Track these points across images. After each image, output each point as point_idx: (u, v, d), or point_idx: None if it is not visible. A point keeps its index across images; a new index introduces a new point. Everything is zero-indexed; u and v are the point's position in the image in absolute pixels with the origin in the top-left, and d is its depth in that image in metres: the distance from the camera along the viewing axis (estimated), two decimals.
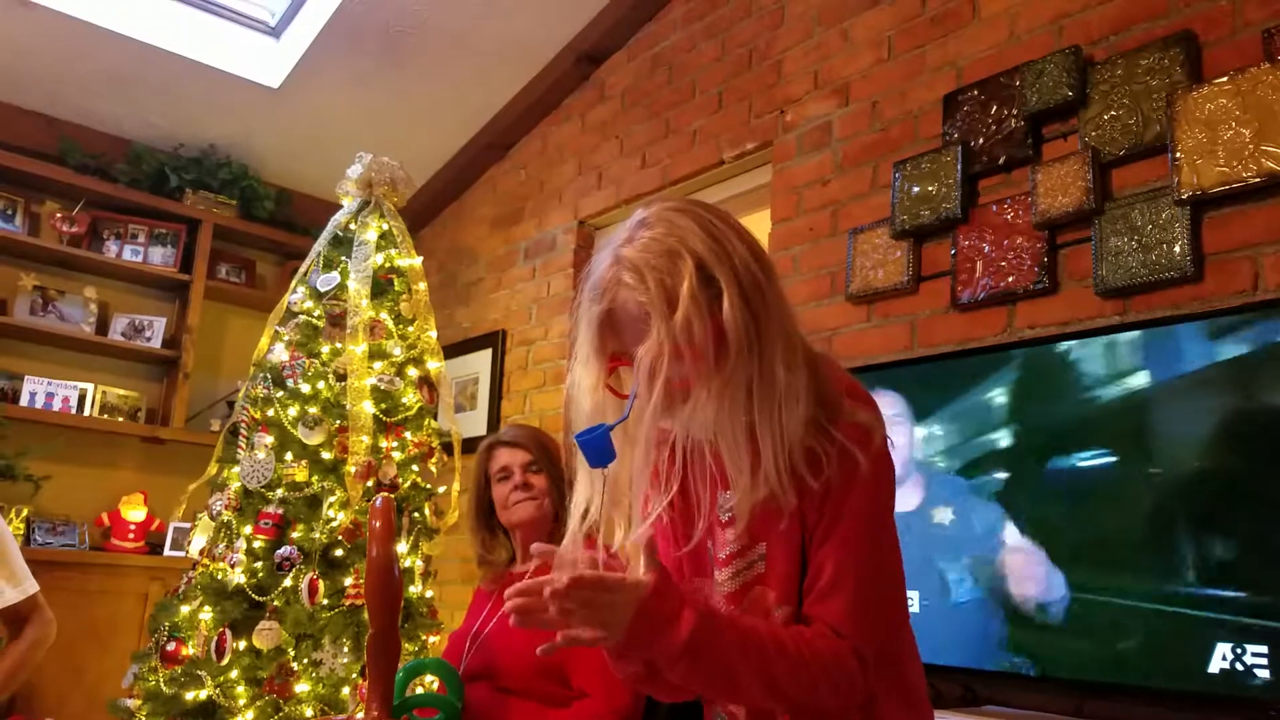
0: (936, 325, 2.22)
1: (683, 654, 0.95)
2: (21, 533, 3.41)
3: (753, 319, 1.02)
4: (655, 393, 1.00)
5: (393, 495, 2.36)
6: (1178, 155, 1.81)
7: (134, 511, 3.74)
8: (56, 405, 3.65)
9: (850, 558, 1.02)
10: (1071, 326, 1.95)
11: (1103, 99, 1.97)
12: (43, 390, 3.63)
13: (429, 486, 2.58)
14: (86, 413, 3.70)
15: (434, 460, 2.61)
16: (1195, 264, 1.79)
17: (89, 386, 3.73)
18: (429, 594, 2.53)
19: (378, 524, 1.72)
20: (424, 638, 2.47)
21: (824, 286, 2.50)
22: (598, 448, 1.05)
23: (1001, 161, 2.13)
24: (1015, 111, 2.11)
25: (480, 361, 3.76)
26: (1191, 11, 1.89)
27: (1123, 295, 1.89)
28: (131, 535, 3.71)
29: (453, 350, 3.73)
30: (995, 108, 2.15)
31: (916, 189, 2.26)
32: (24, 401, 3.58)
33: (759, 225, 2.74)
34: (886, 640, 1.06)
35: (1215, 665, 1.58)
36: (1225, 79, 1.78)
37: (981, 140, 2.17)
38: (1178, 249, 1.80)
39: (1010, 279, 2.06)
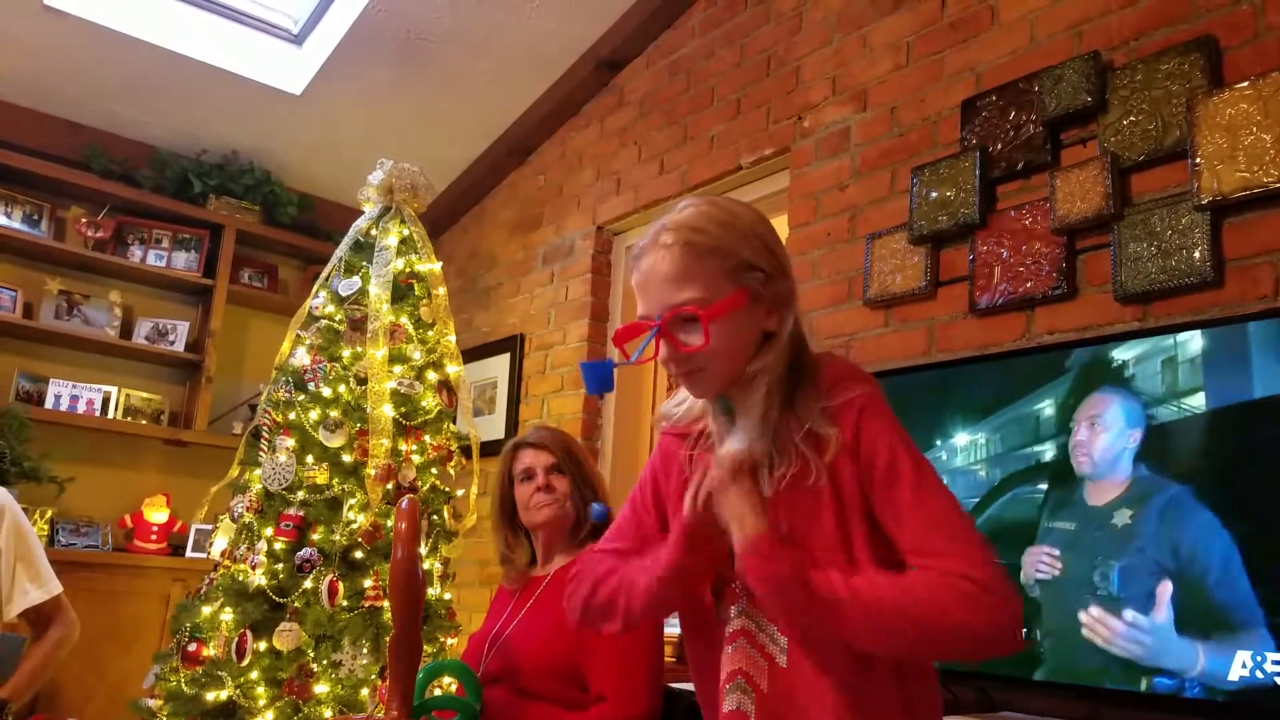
0: (955, 330, 2.22)
1: (796, 576, 1.02)
2: (46, 534, 3.46)
3: (777, 306, 1.10)
4: (676, 357, 1.09)
5: (414, 495, 2.37)
6: (1198, 160, 1.81)
7: (156, 513, 3.78)
8: (81, 408, 3.70)
9: (924, 507, 1.05)
10: (1090, 332, 1.95)
11: (1122, 104, 1.97)
12: (67, 393, 3.68)
13: (448, 489, 2.60)
14: (110, 415, 3.75)
15: (453, 463, 2.63)
16: (1215, 269, 1.78)
17: (113, 389, 3.78)
18: (447, 596, 2.55)
19: (403, 525, 1.74)
20: (442, 640, 2.49)
21: (841, 291, 2.50)
22: (599, 375, 1.15)
23: (1020, 167, 2.13)
24: (1034, 117, 2.11)
25: (499, 365, 3.78)
26: (1212, 16, 1.89)
27: (1142, 301, 1.89)
28: (154, 537, 3.75)
29: (472, 354, 3.75)
30: (1014, 113, 2.15)
31: (935, 194, 2.26)
32: (49, 404, 3.64)
33: (777, 231, 2.75)
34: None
35: (1235, 673, 1.57)
36: (1246, 84, 1.78)
37: (1000, 146, 2.17)
38: (1198, 254, 1.80)
39: (1029, 284, 2.06)
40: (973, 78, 2.30)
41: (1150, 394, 1.79)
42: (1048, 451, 1.93)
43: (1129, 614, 1.69)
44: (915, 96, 2.42)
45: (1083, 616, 1.76)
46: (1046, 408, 1.95)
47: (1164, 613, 1.66)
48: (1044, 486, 1.94)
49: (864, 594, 1.01)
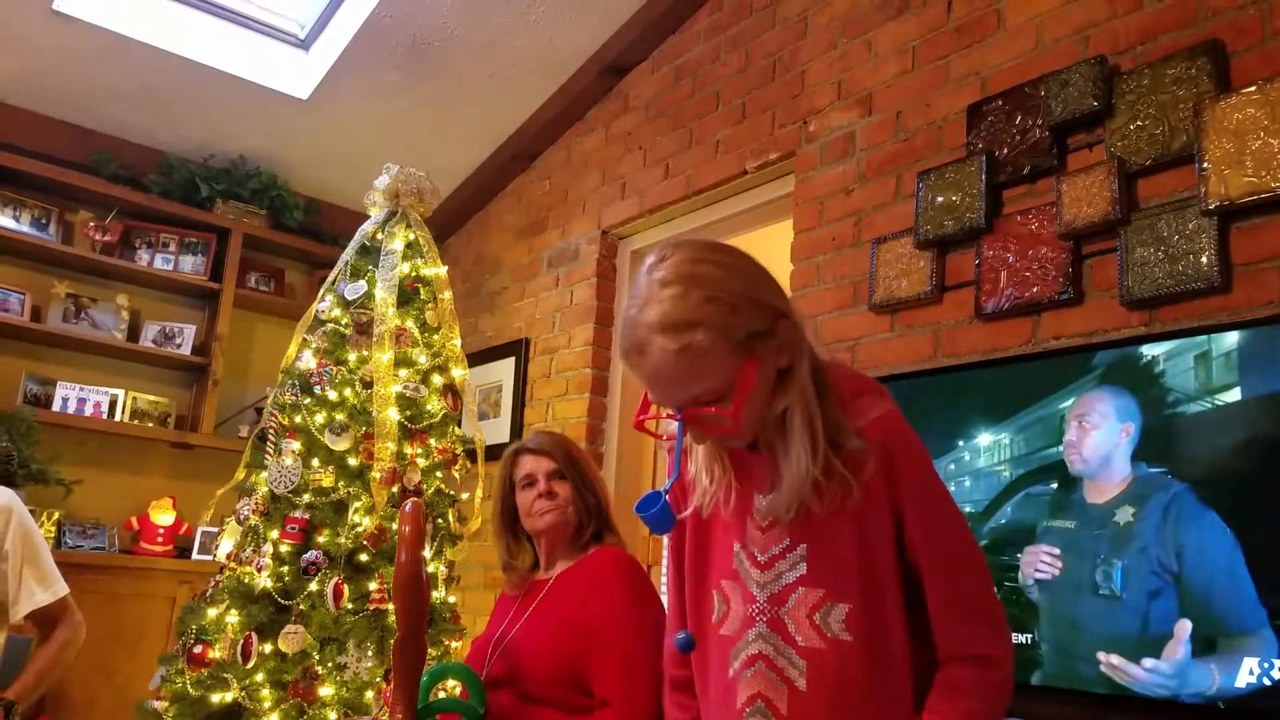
0: (960, 335, 2.21)
1: None
2: (53, 536, 3.47)
3: (781, 349, 1.08)
4: (706, 438, 1.12)
5: (419, 498, 2.37)
6: (1205, 165, 1.81)
7: (163, 516, 3.80)
8: (88, 411, 3.71)
9: (955, 574, 1.11)
10: (1097, 337, 1.94)
11: (1129, 109, 1.96)
12: (75, 396, 3.70)
13: (452, 493, 2.60)
14: (117, 418, 3.77)
15: (458, 467, 2.64)
16: (1223, 274, 1.77)
17: (120, 392, 3.80)
18: (452, 599, 2.55)
19: (407, 529, 1.74)
20: (447, 643, 2.49)
21: (847, 296, 2.50)
22: (659, 517, 1.13)
23: (1026, 171, 2.12)
24: (1040, 121, 2.11)
25: (504, 369, 3.79)
26: (1219, 21, 1.88)
27: (1149, 306, 1.88)
28: (160, 539, 3.76)
29: (477, 358, 3.76)
30: (1020, 118, 2.15)
31: (940, 199, 2.26)
32: (56, 407, 3.65)
33: (781, 235, 2.75)
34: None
35: (1242, 680, 1.56)
36: (1254, 88, 1.77)
37: (1006, 150, 2.17)
38: (1205, 259, 1.79)
39: (1035, 289, 2.05)
40: (978, 82, 2.29)
41: (1146, 391, 1.79)
42: (1049, 454, 1.93)
43: (1148, 662, 1.68)
44: (921, 101, 2.42)
45: (1101, 662, 1.74)
46: (1050, 412, 1.95)
47: (1182, 650, 1.64)
48: (1046, 488, 1.94)
49: None
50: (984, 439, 2.05)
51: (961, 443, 2.07)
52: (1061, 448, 1.90)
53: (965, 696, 1.09)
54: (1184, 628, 1.64)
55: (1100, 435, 1.84)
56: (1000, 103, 2.20)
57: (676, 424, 1.09)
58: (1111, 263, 1.95)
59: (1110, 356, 1.85)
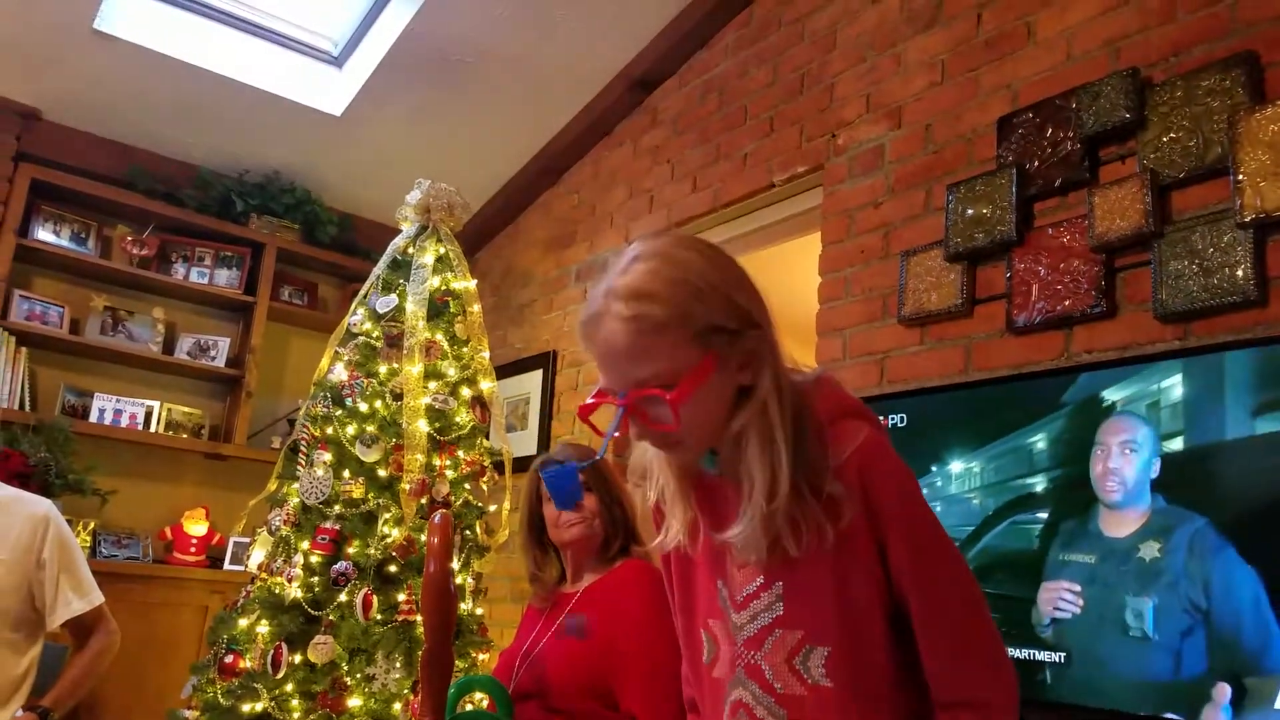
0: (992, 348, 2.20)
1: None
2: (88, 545, 3.52)
3: (742, 355, 1.01)
4: (648, 434, 1.02)
5: (447, 509, 2.39)
6: (1240, 177, 1.78)
7: (196, 526, 3.84)
8: (124, 422, 3.77)
9: (938, 620, 1.01)
10: (1131, 351, 1.92)
11: (1162, 121, 1.94)
12: (111, 407, 3.76)
13: (480, 505, 2.62)
14: (152, 429, 3.82)
15: (485, 479, 2.65)
16: (1259, 288, 1.75)
17: (155, 404, 3.85)
18: (479, 611, 2.56)
19: (435, 540, 1.75)
20: (474, 655, 2.49)
21: (875, 309, 2.49)
22: (564, 487, 1.05)
23: (1057, 184, 2.11)
24: (1071, 134, 2.10)
25: (531, 382, 3.80)
26: (1253, 32, 1.86)
27: (1183, 319, 1.86)
28: (193, 549, 3.80)
29: (505, 370, 3.78)
30: (1051, 130, 2.14)
31: (970, 211, 2.25)
32: (93, 418, 3.71)
33: (809, 248, 2.75)
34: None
35: None
36: None
37: (1037, 163, 2.16)
38: (1240, 272, 1.77)
39: (1067, 302, 2.03)
40: (1009, 95, 2.28)
41: (1170, 420, 1.75)
42: (1058, 477, 1.89)
43: None
44: (950, 114, 2.41)
45: None
46: (1064, 432, 1.92)
47: (1221, 716, 1.59)
48: (1044, 515, 1.90)
49: None
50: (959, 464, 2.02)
51: (967, 460, 2.05)
52: (1036, 479, 1.84)
53: None
54: (1223, 692, 1.58)
55: (1139, 464, 1.80)
56: (1031, 115, 2.19)
57: (619, 410, 1.01)
58: (1145, 276, 1.93)
59: (1129, 385, 1.83)
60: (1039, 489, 1.94)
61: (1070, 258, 2.05)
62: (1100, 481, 1.85)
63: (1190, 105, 1.90)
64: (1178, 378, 1.77)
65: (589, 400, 1.06)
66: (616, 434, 1.03)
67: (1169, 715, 1.65)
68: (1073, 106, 2.10)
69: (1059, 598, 1.84)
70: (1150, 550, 1.72)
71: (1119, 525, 1.79)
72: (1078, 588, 1.82)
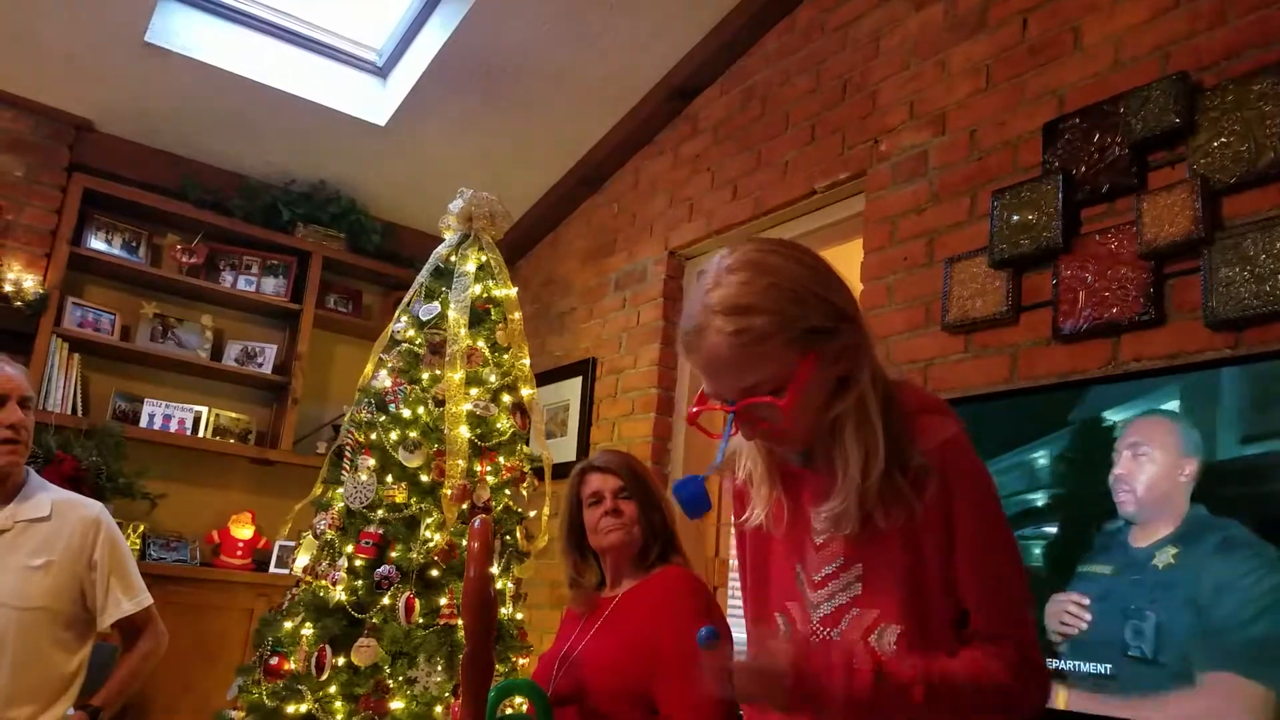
0: (1037, 356, 2.17)
1: (844, 703, 1.00)
2: (138, 548, 3.59)
3: (841, 352, 1.05)
4: (758, 434, 1.08)
5: (487, 514, 2.41)
6: None
7: (242, 530, 3.90)
8: (173, 427, 3.84)
9: (990, 568, 1.07)
10: (1180, 359, 1.88)
11: (1212, 125, 1.91)
12: (160, 412, 3.83)
13: (520, 510, 2.63)
14: (200, 434, 3.89)
15: (525, 484, 2.66)
16: None
17: (203, 409, 3.92)
18: (519, 616, 2.57)
19: (475, 545, 1.76)
20: (514, 659, 2.51)
21: (919, 316, 2.47)
22: (693, 501, 1.11)
23: (1105, 190, 2.08)
24: (1119, 139, 2.07)
25: (571, 389, 3.82)
26: None
27: (1235, 328, 1.82)
28: (239, 552, 3.86)
29: (545, 378, 3.80)
30: (1098, 136, 2.11)
31: (1016, 218, 2.22)
32: (143, 423, 3.79)
33: (851, 255, 2.73)
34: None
35: None
36: None
37: (1084, 169, 2.13)
38: None
39: (1114, 309, 2.00)
40: (1054, 100, 2.26)
41: (1216, 428, 1.71)
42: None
43: None
44: (995, 120, 2.39)
45: None
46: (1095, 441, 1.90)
47: None
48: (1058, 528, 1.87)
49: (935, 687, 1.02)
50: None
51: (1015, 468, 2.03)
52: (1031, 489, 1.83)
53: (968, 665, 1.04)
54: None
55: (1158, 469, 1.77)
56: (1077, 121, 2.16)
57: (729, 416, 1.06)
58: (1194, 283, 1.90)
59: (1177, 381, 1.80)
60: (1058, 499, 1.92)
61: (1118, 264, 2.02)
62: (1114, 489, 1.83)
63: (1241, 110, 1.87)
64: (1225, 385, 1.74)
65: (693, 408, 1.12)
66: (731, 436, 1.09)
67: None
68: (1120, 112, 2.07)
69: (1064, 613, 1.82)
70: (1165, 556, 1.70)
71: (1145, 536, 1.77)
72: (1086, 601, 1.80)
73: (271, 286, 4.10)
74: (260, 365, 4.05)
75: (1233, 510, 1.66)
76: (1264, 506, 1.63)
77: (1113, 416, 1.89)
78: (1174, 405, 1.80)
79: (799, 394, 1.02)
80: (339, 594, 2.34)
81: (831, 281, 1.07)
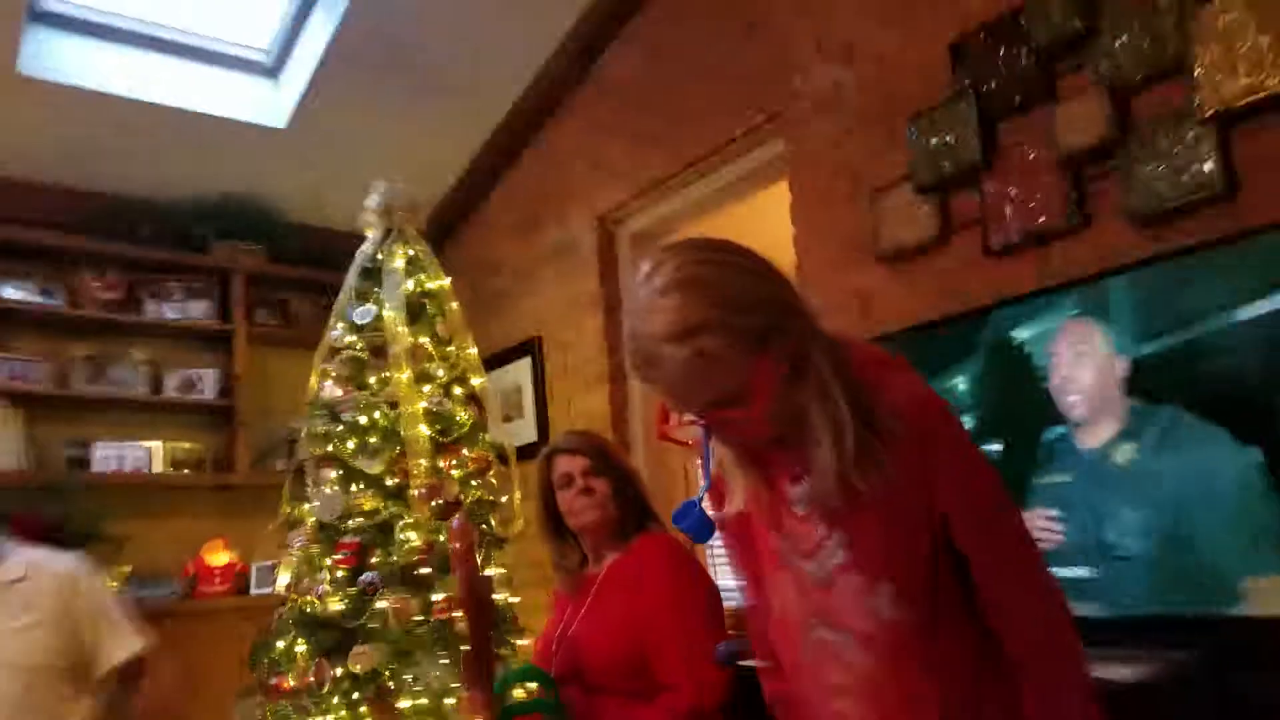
0: (972, 275, 2.21)
1: None
2: (122, 591, 3.52)
3: (793, 342, 1.06)
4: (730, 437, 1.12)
5: (464, 513, 2.40)
6: (1197, 73, 1.79)
7: (217, 557, 3.85)
8: (128, 466, 3.75)
9: (995, 542, 1.13)
10: (1110, 261, 1.93)
11: (1114, 26, 1.94)
12: (113, 453, 3.74)
13: (492, 498, 2.63)
14: (157, 469, 3.81)
15: (492, 472, 2.66)
16: (1228, 182, 1.76)
17: (155, 444, 3.83)
18: (514, 600, 2.58)
19: (458, 545, 1.78)
20: (513, 642, 2.53)
21: (851, 250, 2.49)
22: (697, 526, 1.14)
23: (1017, 103, 2.11)
24: (1025, 50, 2.09)
25: (521, 371, 3.80)
26: None
27: (1157, 223, 1.87)
28: (218, 580, 3.82)
29: (492, 362, 3.75)
30: (1004, 49, 2.13)
31: (934, 141, 2.25)
32: (97, 467, 3.69)
33: (779, 197, 2.75)
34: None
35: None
36: None
37: (994, 84, 2.15)
38: (1208, 167, 1.78)
39: (1041, 219, 2.05)
40: (957, 19, 2.27)
41: (1146, 321, 1.76)
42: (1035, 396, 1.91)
43: None
44: (901, 46, 2.40)
45: None
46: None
47: None
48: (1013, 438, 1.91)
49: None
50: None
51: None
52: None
53: (1057, 688, 1.10)
54: None
55: (1095, 368, 1.82)
56: (983, 37, 2.18)
57: (701, 430, 1.08)
58: (1115, 183, 1.94)
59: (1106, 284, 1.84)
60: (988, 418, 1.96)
61: (1039, 174, 2.05)
62: (1058, 394, 1.87)
63: (1140, 7, 1.90)
64: (1150, 281, 1.79)
65: (662, 424, 1.16)
66: (709, 451, 1.12)
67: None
68: (1023, 24, 2.09)
69: (1034, 530, 1.83)
70: (1125, 453, 1.75)
71: (1093, 436, 1.81)
72: (1054, 512, 1.85)
73: (199, 310, 3.98)
74: (202, 392, 3.95)
75: (1171, 399, 1.72)
76: (1197, 388, 1.69)
77: (1029, 330, 1.93)
78: (1102, 306, 1.85)
79: (764, 398, 1.04)
80: (331, 605, 2.33)
81: (767, 276, 1.07)
